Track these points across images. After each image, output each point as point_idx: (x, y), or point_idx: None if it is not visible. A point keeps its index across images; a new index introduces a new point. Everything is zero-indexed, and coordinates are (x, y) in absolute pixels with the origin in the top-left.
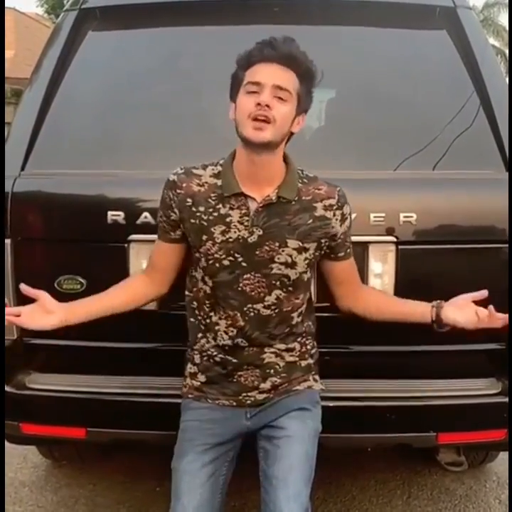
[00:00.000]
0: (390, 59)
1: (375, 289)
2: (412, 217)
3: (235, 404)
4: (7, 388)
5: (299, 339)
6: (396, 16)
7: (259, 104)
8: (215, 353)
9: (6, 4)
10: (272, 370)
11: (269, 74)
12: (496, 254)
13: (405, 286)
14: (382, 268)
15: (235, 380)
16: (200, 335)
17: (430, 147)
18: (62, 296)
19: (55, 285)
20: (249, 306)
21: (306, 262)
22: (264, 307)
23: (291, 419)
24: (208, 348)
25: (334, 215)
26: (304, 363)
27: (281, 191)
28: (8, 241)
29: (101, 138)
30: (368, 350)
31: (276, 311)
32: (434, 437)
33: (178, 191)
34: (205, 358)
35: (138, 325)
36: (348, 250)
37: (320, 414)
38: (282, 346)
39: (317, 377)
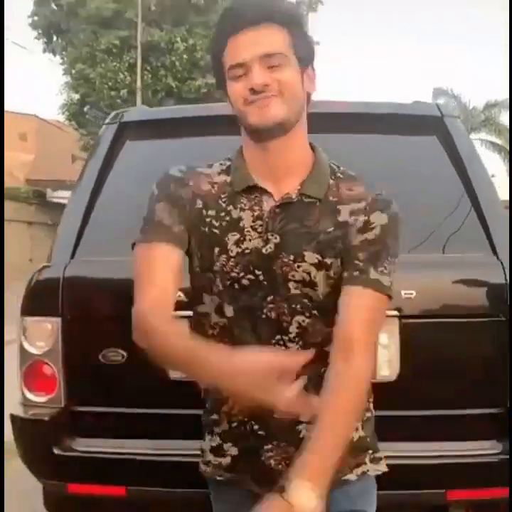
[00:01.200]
0: (390, 161)
1: (350, 376)
2: (412, 294)
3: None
4: (55, 451)
5: None
6: (395, 125)
7: (252, 89)
8: (243, 418)
9: (28, 111)
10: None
11: (248, 45)
12: (485, 327)
13: (408, 355)
14: (388, 339)
15: (262, 462)
16: (216, 393)
17: (428, 235)
18: (106, 367)
19: (100, 357)
20: (278, 337)
21: (331, 281)
22: (290, 340)
23: None
24: (235, 408)
25: (356, 220)
26: (356, 436)
27: (305, 187)
28: (58, 319)
29: (137, 229)
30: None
31: (301, 343)
32: (443, 494)
33: (189, 189)
34: (233, 423)
35: (173, 393)
36: (356, 274)
37: (375, 504)
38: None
39: (378, 454)
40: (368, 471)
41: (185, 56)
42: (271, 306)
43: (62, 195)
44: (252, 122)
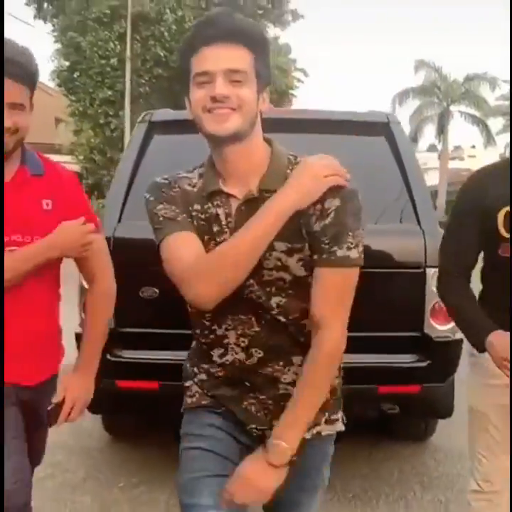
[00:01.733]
0: (349, 155)
1: (313, 352)
2: None
3: (240, 428)
4: (108, 357)
5: None
6: (354, 128)
7: (214, 97)
8: (224, 374)
9: None
10: (284, 403)
11: (217, 58)
12: (408, 276)
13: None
14: None
15: (243, 406)
16: (205, 357)
17: (371, 209)
18: (143, 300)
19: (139, 293)
20: (260, 311)
21: (301, 263)
22: (276, 314)
23: (299, 492)
24: (216, 369)
25: (314, 209)
26: None
27: (264, 183)
28: None
29: None
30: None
31: (285, 317)
32: (376, 388)
33: (175, 190)
34: (211, 377)
35: None
36: (324, 256)
37: (328, 467)
38: (299, 360)
39: (336, 415)
40: (321, 431)
41: (173, 27)
42: (251, 288)
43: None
44: (210, 130)
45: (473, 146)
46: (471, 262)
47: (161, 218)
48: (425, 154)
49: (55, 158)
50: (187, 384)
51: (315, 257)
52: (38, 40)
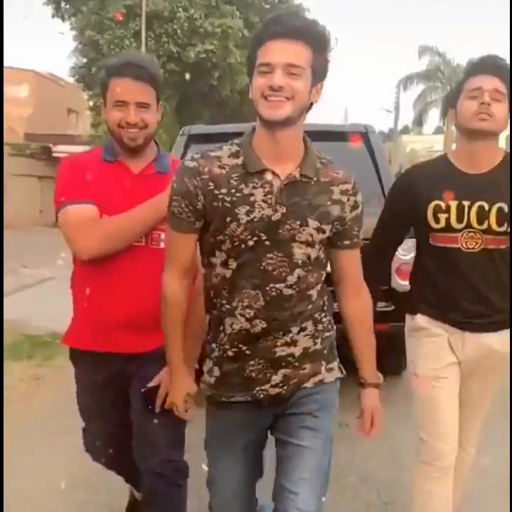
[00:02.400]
0: (336, 158)
1: (361, 310)
2: None
3: (249, 399)
4: None
5: (315, 315)
6: (338, 136)
7: (271, 87)
8: (228, 346)
9: (26, 66)
10: (284, 362)
11: (279, 52)
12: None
13: None
14: None
15: (246, 375)
16: (216, 325)
17: None
18: None
19: None
20: (272, 285)
21: (321, 242)
22: (286, 286)
23: (303, 430)
24: (223, 338)
25: (348, 200)
26: (313, 348)
27: (304, 169)
28: None
29: None
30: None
31: (297, 290)
32: None
33: (203, 177)
34: (219, 351)
35: None
36: (355, 240)
37: (332, 413)
38: (297, 329)
39: (332, 365)
40: (324, 379)
41: (186, 24)
42: (269, 261)
43: (63, 150)
44: (265, 115)
45: None
46: (392, 247)
47: (171, 211)
48: (432, 137)
49: (72, 148)
50: (208, 363)
51: (346, 242)
52: (56, 38)
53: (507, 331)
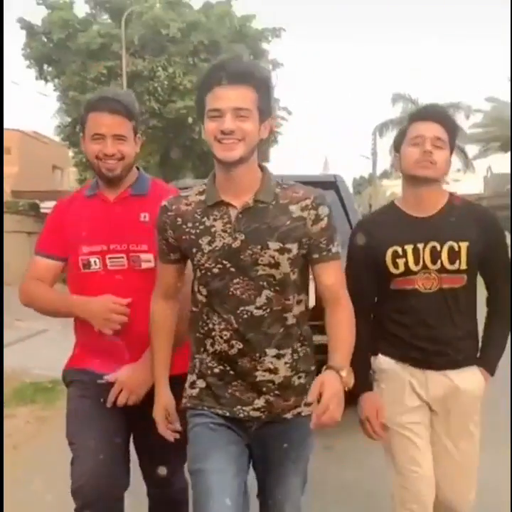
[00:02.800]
0: None
1: (341, 321)
2: None
3: (227, 414)
4: None
5: (294, 344)
6: (311, 185)
7: (223, 131)
8: (213, 363)
9: (11, 126)
10: (265, 388)
11: (227, 98)
12: None
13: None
14: None
15: (230, 392)
16: (200, 345)
17: None
18: None
19: None
20: (242, 308)
21: (289, 261)
22: (256, 308)
23: (281, 460)
24: (206, 357)
25: (309, 214)
26: (297, 382)
27: (259, 196)
28: None
29: None
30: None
31: (268, 311)
32: None
33: (169, 213)
34: (203, 366)
35: None
36: (324, 253)
37: (310, 443)
38: (274, 352)
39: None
40: (301, 411)
41: (166, 82)
42: (236, 286)
43: (50, 206)
44: (219, 156)
45: (459, 170)
46: (370, 299)
47: (157, 242)
48: None
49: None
50: (191, 378)
51: (315, 255)
52: (38, 98)
53: (470, 369)
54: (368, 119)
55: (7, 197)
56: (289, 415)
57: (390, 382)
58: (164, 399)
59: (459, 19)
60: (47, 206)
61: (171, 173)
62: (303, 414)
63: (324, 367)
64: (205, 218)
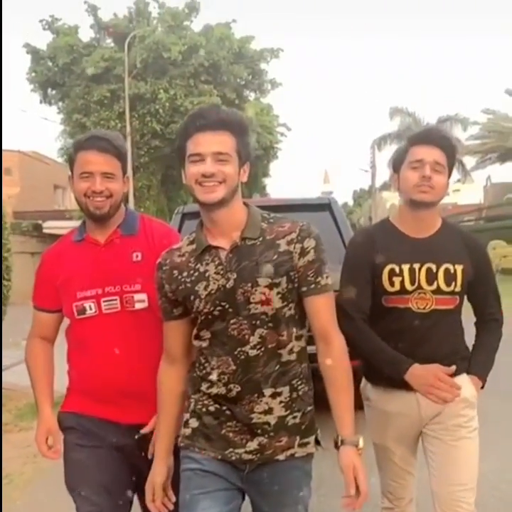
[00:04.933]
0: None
1: (331, 365)
2: None
3: (219, 457)
4: None
5: (292, 381)
6: (310, 207)
7: (204, 174)
8: (210, 402)
9: (11, 147)
10: (260, 430)
11: (207, 143)
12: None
13: None
14: None
15: (223, 433)
16: (196, 386)
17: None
18: None
19: None
20: (239, 349)
21: (279, 296)
22: (251, 348)
23: (276, 507)
24: (202, 397)
25: (294, 248)
26: (291, 422)
27: (245, 233)
28: None
29: None
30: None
31: (262, 349)
32: None
33: (165, 268)
34: (199, 405)
35: None
36: (312, 286)
37: (306, 483)
38: (271, 391)
39: (308, 439)
40: (295, 453)
41: (167, 104)
42: (233, 326)
43: (52, 225)
44: (201, 199)
45: (459, 180)
46: (367, 306)
47: (160, 303)
48: None
49: (61, 224)
50: (185, 416)
51: (303, 289)
52: (42, 123)
53: (461, 377)
54: (367, 133)
55: (10, 218)
56: (281, 456)
57: (373, 411)
58: (159, 476)
59: (456, 30)
60: (49, 226)
61: (172, 190)
62: (297, 455)
63: (339, 439)
64: (199, 265)
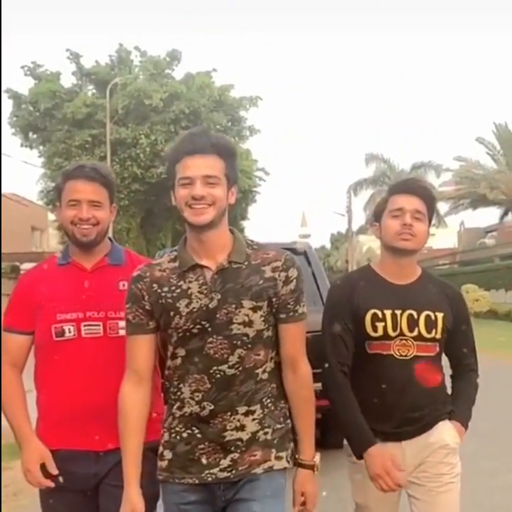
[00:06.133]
0: None
1: (296, 389)
2: None
3: (197, 482)
4: None
5: (264, 400)
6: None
7: (194, 197)
8: (181, 428)
9: None
10: (233, 447)
11: (196, 167)
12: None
13: None
14: None
15: (196, 458)
16: (168, 412)
17: None
18: None
19: None
20: (215, 368)
21: (262, 319)
22: (229, 367)
23: (263, 497)
24: (173, 422)
25: (279, 276)
26: (262, 437)
27: (232, 256)
28: None
29: None
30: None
31: (240, 369)
32: None
33: (145, 280)
34: (172, 435)
35: None
36: (291, 314)
37: (282, 501)
38: (244, 409)
39: (282, 454)
40: (273, 466)
41: (148, 149)
42: (210, 345)
43: (29, 267)
44: (191, 221)
45: (433, 225)
46: (348, 355)
47: (126, 317)
48: None
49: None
50: (160, 449)
51: (282, 315)
52: (21, 166)
53: (443, 423)
54: (343, 177)
55: None
56: (259, 470)
57: (358, 469)
58: (134, 503)
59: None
60: (27, 268)
61: (151, 233)
62: (275, 468)
63: (298, 461)
64: (182, 282)
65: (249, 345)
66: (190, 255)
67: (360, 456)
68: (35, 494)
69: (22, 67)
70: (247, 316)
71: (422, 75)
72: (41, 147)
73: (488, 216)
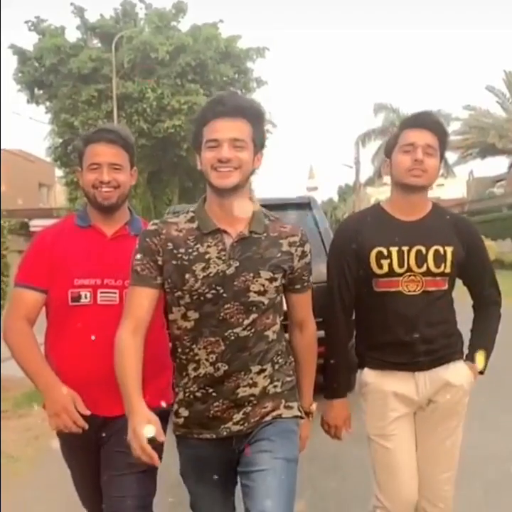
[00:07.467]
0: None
1: (304, 344)
2: None
3: (214, 436)
4: None
5: (273, 358)
6: (295, 206)
7: (220, 159)
8: (195, 388)
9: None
10: (246, 402)
11: (224, 129)
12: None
13: None
14: None
15: (212, 415)
16: (182, 372)
17: None
18: None
19: None
20: (230, 331)
21: (275, 289)
22: (243, 329)
23: (261, 454)
24: (189, 383)
25: (296, 250)
26: (272, 390)
27: (253, 226)
28: None
29: None
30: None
31: (253, 331)
32: None
33: (161, 236)
34: (187, 394)
35: None
36: (305, 284)
37: (294, 441)
38: (258, 368)
39: (292, 404)
40: (282, 414)
41: (154, 103)
42: (227, 311)
43: (39, 224)
44: (216, 184)
45: (442, 175)
46: (351, 295)
47: (134, 268)
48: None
49: (48, 222)
50: (175, 407)
51: (297, 286)
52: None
53: (458, 363)
54: (352, 129)
55: None
56: (268, 418)
57: (372, 394)
58: (147, 416)
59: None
60: (36, 224)
61: (158, 189)
62: (283, 416)
63: (303, 411)
64: (199, 245)
65: (264, 311)
66: (212, 219)
67: (329, 397)
68: (54, 437)
69: (26, 22)
70: (263, 286)
71: (432, 23)
72: (48, 103)
73: (497, 165)
